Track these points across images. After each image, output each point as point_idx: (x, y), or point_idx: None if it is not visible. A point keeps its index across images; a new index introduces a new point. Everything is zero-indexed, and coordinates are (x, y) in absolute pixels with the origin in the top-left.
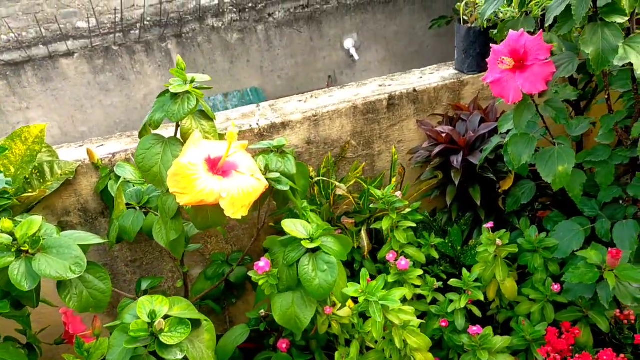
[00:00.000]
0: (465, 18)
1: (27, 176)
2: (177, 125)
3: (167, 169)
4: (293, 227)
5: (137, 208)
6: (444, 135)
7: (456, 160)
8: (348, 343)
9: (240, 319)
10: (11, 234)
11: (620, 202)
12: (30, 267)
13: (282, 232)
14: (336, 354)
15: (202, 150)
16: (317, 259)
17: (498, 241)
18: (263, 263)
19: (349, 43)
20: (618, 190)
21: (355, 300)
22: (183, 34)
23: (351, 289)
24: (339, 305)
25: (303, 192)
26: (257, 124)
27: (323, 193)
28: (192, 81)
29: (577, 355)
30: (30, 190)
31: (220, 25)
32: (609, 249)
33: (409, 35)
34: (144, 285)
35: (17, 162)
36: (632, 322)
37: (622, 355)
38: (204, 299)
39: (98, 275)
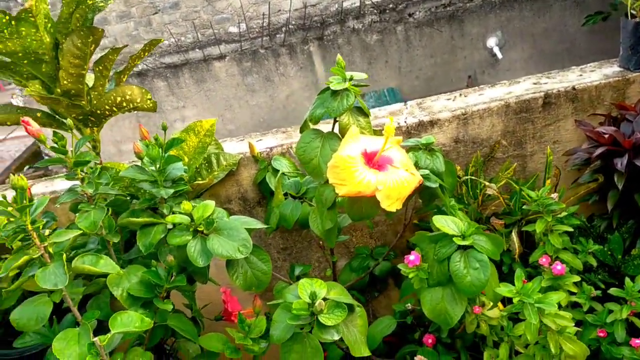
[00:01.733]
0: (633, 12)
1: (198, 166)
2: (335, 121)
3: (325, 162)
4: (444, 223)
5: (295, 198)
6: (606, 136)
7: (620, 163)
8: (495, 345)
9: (381, 313)
10: (190, 215)
11: None
12: (204, 245)
13: (425, 229)
14: (485, 355)
15: (359, 144)
16: (469, 257)
17: None
18: (413, 257)
19: (492, 42)
20: None
21: (505, 302)
22: (324, 36)
23: (505, 289)
24: (489, 305)
25: (450, 190)
26: (405, 122)
27: (470, 192)
28: (351, 79)
29: None
30: (199, 179)
31: (360, 26)
32: None
33: (558, 32)
34: (297, 270)
35: (190, 153)
36: None
37: None
38: (349, 289)
39: (261, 257)
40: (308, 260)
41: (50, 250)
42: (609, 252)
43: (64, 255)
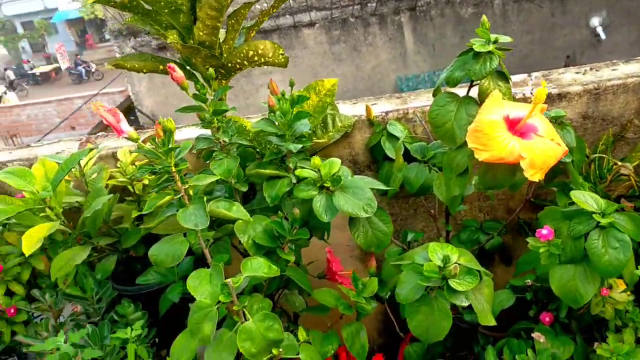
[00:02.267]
0: None
1: (314, 125)
2: (470, 85)
3: (459, 126)
4: (583, 198)
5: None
6: None
7: None
8: (617, 330)
9: None
10: (317, 171)
11: None
12: (330, 201)
13: (540, 207)
14: (610, 338)
15: (502, 109)
16: (608, 235)
17: None
18: (546, 231)
19: (595, 21)
20: None
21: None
22: (417, 7)
23: None
24: (617, 288)
25: (578, 167)
26: (531, 93)
27: (598, 172)
28: (495, 41)
29: None
30: (314, 139)
31: None
32: None
33: None
34: (409, 236)
35: (309, 111)
36: None
37: None
38: None
39: (382, 219)
40: (412, 229)
41: (191, 192)
42: None
43: (205, 198)
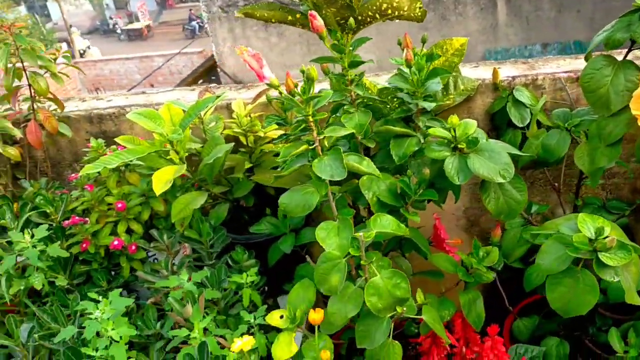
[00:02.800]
0: None
1: None
2: (630, 49)
3: (616, 92)
4: None
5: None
6: None
7: None
8: None
9: None
10: (452, 130)
11: None
12: (464, 163)
13: None
14: None
15: None
16: None
17: None
18: None
19: None
20: None
21: None
22: None
23: None
24: None
25: None
26: None
27: None
28: None
29: None
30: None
31: None
32: None
33: None
34: (534, 208)
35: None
36: None
37: None
38: None
39: (516, 186)
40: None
41: (326, 143)
42: None
43: (341, 149)
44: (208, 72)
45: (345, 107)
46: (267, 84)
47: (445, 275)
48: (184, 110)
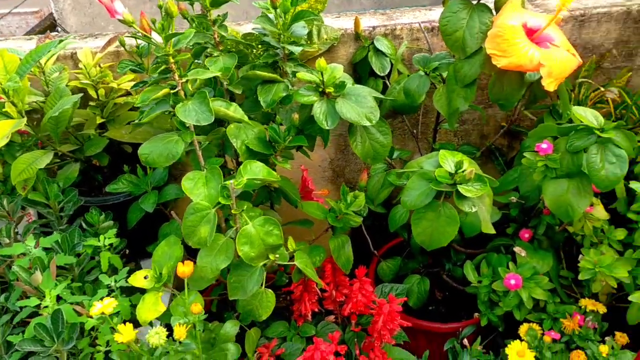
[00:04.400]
0: None
1: None
2: None
3: (471, 35)
4: (583, 114)
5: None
6: None
7: None
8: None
9: None
10: (320, 75)
11: None
12: (332, 108)
13: (511, 134)
14: (591, 252)
15: (521, 16)
16: (606, 150)
17: None
18: (546, 145)
19: None
20: None
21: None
22: None
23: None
24: (598, 206)
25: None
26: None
27: (578, 99)
28: None
29: None
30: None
31: None
32: None
33: None
34: (395, 154)
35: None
36: None
37: None
38: None
39: (381, 129)
40: None
41: (190, 87)
42: None
43: (207, 92)
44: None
45: (208, 50)
46: (120, 20)
47: (315, 224)
48: (20, 59)
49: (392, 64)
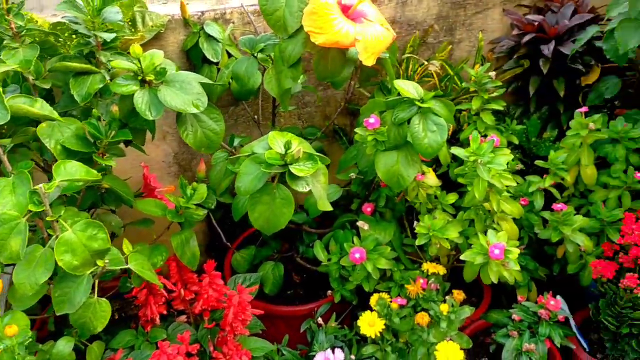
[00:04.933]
0: None
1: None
2: None
3: (291, 14)
4: (405, 87)
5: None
6: (535, 24)
7: (547, 49)
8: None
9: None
10: (138, 62)
11: None
12: (154, 97)
13: (353, 114)
14: (426, 218)
15: None
16: (427, 120)
17: (591, 125)
18: (373, 119)
19: None
20: None
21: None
22: None
23: (459, 150)
24: (430, 174)
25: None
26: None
27: (406, 74)
28: None
29: None
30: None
31: None
32: None
33: None
34: (236, 141)
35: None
36: None
37: None
38: None
39: (212, 116)
40: None
41: None
42: (525, 135)
43: (1, 89)
44: None
45: (5, 42)
46: None
47: (158, 222)
48: None
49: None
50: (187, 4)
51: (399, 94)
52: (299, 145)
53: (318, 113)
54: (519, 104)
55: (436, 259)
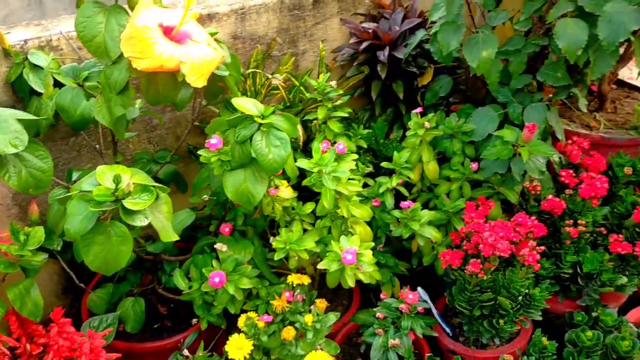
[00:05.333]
0: None
1: None
2: None
3: (112, 39)
4: (244, 104)
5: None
6: (370, 31)
7: (383, 54)
8: (286, 225)
9: None
10: None
11: (528, 88)
12: None
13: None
14: (282, 231)
15: (154, 15)
16: (270, 135)
17: (426, 124)
18: (215, 140)
19: None
20: (528, 77)
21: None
22: None
23: (304, 162)
24: (282, 186)
25: (236, 84)
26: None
27: (253, 88)
28: None
29: (490, 221)
30: None
31: None
32: (526, 124)
33: None
34: (75, 175)
35: None
36: (538, 193)
37: (533, 218)
38: None
39: (38, 154)
40: None
41: None
42: (373, 137)
43: None
44: None
45: None
46: None
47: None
48: None
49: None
50: (8, 32)
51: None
52: (131, 178)
53: (169, 135)
54: (366, 108)
55: (302, 269)
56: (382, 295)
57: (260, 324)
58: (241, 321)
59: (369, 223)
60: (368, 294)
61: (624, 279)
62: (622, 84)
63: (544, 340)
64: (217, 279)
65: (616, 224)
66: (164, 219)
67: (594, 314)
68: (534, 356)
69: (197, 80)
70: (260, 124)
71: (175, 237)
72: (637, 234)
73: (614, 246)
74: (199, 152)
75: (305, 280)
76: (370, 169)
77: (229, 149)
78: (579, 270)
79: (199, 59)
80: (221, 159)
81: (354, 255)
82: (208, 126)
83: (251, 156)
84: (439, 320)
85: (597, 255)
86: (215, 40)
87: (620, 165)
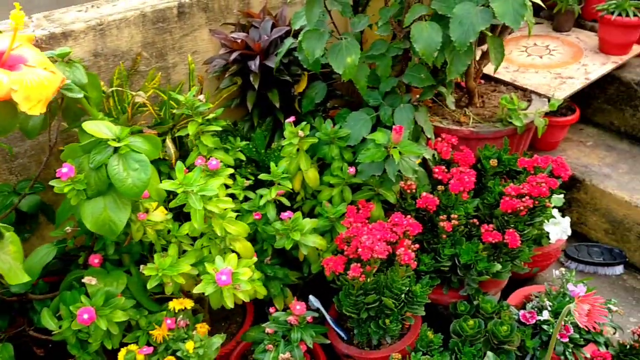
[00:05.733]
0: None
1: None
2: None
3: None
4: (97, 128)
5: None
6: (239, 41)
7: (254, 64)
8: (164, 250)
9: None
10: None
11: (398, 90)
12: None
13: None
14: (155, 257)
15: None
16: (127, 159)
17: (300, 133)
18: (66, 169)
19: None
20: (395, 80)
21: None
22: None
23: (167, 183)
24: (153, 209)
25: (97, 104)
26: (34, 35)
27: (119, 107)
28: None
29: (372, 223)
30: None
31: None
32: (393, 127)
33: None
34: None
35: None
36: (414, 191)
37: (409, 217)
38: None
39: None
40: None
41: None
42: (254, 149)
43: None
44: None
45: None
46: None
47: None
48: None
49: None
50: None
51: None
52: None
53: (33, 163)
54: (245, 119)
55: (187, 292)
56: (271, 310)
57: (139, 358)
58: (121, 356)
59: (253, 237)
60: (264, 307)
61: (498, 266)
62: (489, 78)
63: (430, 334)
64: (85, 316)
65: (487, 214)
66: (11, 259)
67: (475, 303)
68: (421, 351)
69: (34, 107)
70: (116, 148)
71: (27, 278)
72: (506, 222)
73: (486, 236)
74: (51, 182)
75: (188, 304)
76: (250, 181)
77: (82, 177)
78: (457, 262)
79: (34, 85)
80: (76, 188)
81: (229, 276)
82: (62, 154)
83: (109, 182)
84: (333, 326)
85: (472, 246)
86: (69, 60)
87: (487, 158)
